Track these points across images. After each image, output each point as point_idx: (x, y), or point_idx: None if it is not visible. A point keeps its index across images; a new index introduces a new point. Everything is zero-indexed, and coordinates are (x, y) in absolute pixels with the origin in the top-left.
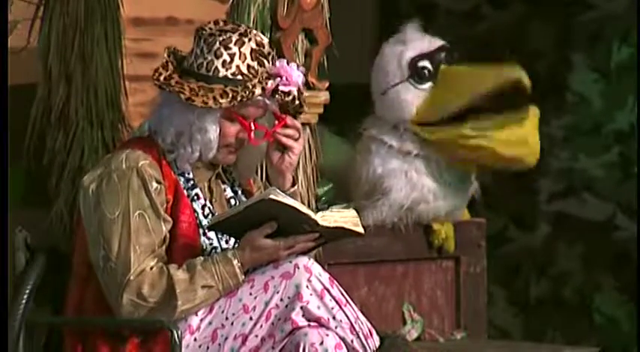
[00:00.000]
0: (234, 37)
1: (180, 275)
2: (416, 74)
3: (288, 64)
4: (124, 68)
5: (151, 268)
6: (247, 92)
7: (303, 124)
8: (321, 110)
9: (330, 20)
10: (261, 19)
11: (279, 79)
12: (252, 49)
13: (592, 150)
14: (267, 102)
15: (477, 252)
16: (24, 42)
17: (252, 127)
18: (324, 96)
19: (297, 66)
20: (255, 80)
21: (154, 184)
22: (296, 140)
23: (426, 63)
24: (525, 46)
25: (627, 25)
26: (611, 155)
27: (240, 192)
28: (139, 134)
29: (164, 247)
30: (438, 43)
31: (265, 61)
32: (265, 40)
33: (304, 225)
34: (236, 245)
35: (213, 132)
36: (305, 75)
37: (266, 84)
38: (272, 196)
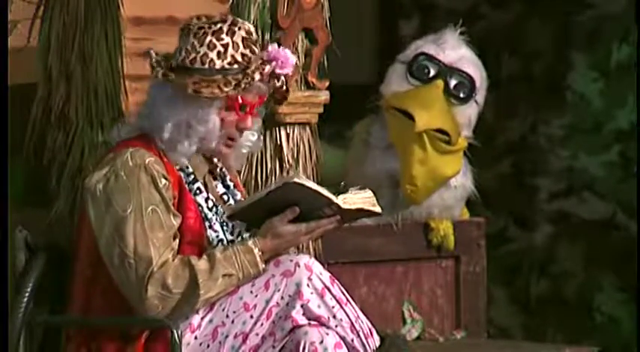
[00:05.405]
0: (225, 28)
1: (201, 265)
2: (413, 66)
3: (279, 47)
4: (124, 68)
5: (173, 259)
6: (248, 78)
7: (303, 124)
8: (321, 110)
9: (330, 20)
10: (261, 18)
11: (274, 63)
12: (243, 38)
13: (592, 149)
14: (263, 87)
15: (477, 252)
16: (24, 42)
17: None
18: (324, 96)
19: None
20: (253, 66)
21: (163, 180)
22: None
23: (430, 65)
24: (524, 46)
25: (627, 24)
26: (612, 154)
27: (232, 186)
28: (126, 135)
29: (177, 241)
30: (463, 65)
31: (255, 48)
32: (252, 28)
33: (325, 208)
34: (245, 234)
35: (215, 122)
36: (306, 74)
37: (263, 69)
38: (296, 179)
